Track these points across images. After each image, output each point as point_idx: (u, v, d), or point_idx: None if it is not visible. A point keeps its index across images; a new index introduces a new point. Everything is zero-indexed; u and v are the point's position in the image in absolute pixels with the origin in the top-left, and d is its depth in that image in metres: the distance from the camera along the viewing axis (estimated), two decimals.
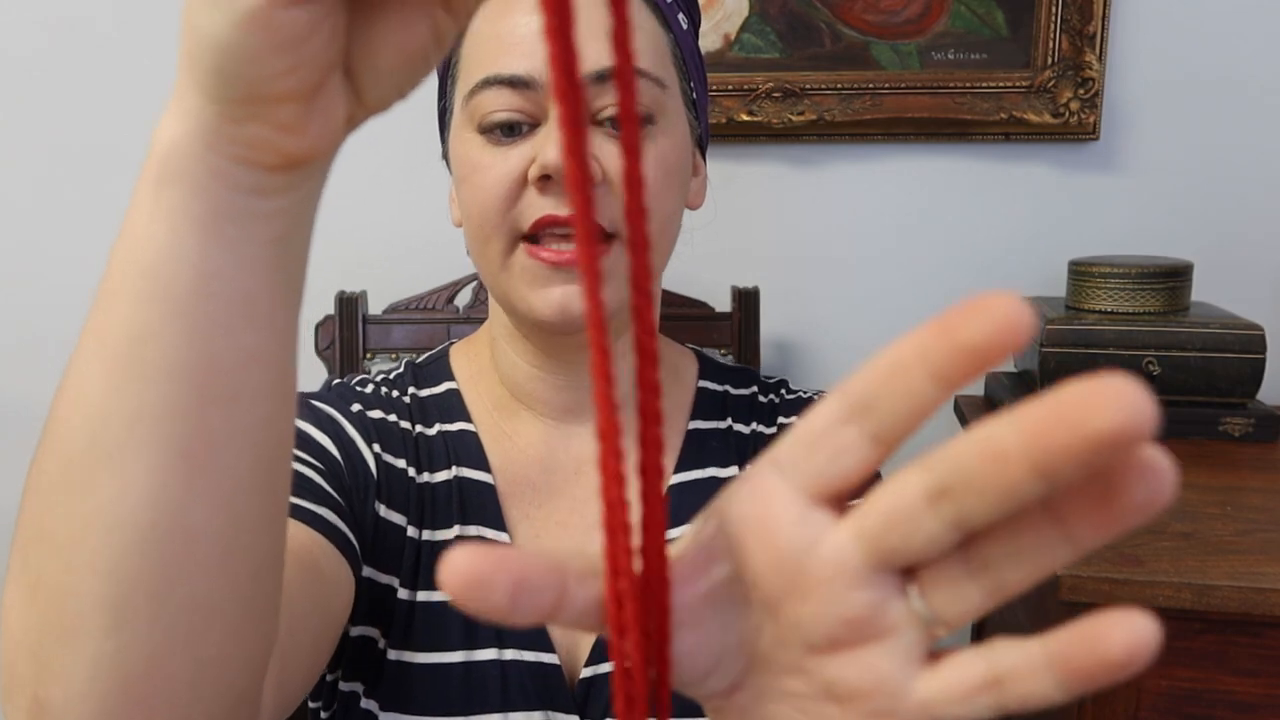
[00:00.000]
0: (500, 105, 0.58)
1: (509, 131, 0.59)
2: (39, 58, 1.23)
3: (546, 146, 0.56)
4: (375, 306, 1.12)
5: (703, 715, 0.29)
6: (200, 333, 0.31)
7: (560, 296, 0.59)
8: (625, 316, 0.64)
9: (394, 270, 1.17)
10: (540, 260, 0.58)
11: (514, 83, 0.58)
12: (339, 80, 0.30)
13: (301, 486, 0.58)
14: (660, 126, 0.60)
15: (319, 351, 1.13)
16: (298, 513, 0.56)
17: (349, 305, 1.09)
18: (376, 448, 0.64)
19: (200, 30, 0.28)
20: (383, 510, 0.63)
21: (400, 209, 1.22)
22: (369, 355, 1.10)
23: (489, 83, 0.58)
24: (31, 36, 1.23)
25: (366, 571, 0.62)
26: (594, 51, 0.57)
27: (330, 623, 0.57)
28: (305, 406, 0.64)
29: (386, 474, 0.64)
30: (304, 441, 0.62)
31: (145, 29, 1.21)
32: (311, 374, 1.14)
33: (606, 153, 0.58)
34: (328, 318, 1.11)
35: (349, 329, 1.09)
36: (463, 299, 1.11)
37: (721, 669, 0.27)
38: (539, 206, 0.58)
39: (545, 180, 0.57)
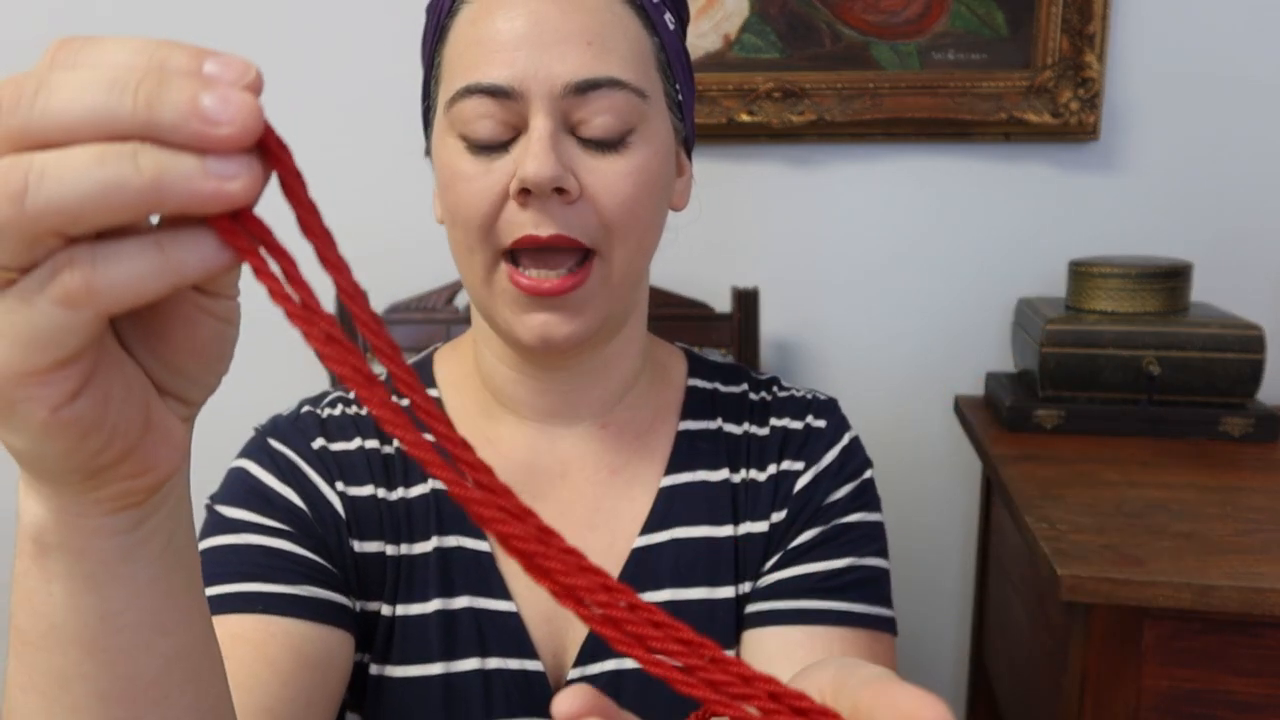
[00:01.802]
0: (480, 114, 0.58)
1: (488, 137, 0.58)
2: (40, 47, 1.23)
3: (526, 160, 0.56)
4: (375, 306, 1.12)
5: None
6: (120, 659, 0.34)
7: (541, 324, 0.59)
8: (611, 328, 0.64)
9: (394, 270, 1.17)
10: (520, 288, 0.58)
11: (494, 92, 0.57)
12: (159, 405, 0.31)
13: (275, 567, 0.59)
14: (641, 136, 0.59)
15: None
16: (274, 604, 0.57)
17: None
18: (340, 485, 0.63)
19: (12, 448, 0.29)
20: (357, 545, 0.63)
21: (400, 209, 1.22)
22: (369, 356, 1.10)
23: (469, 91, 0.58)
24: (32, 26, 1.23)
25: (359, 607, 0.62)
26: (572, 62, 0.57)
27: (331, 695, 0.58)
28: (264, 452, 0.64)
29: (353, 509, 0.63)
30: (268, 501, 0.61)
31: (145, 17, 1.21)
32: (312, 374, 1.14)
33: (584, 167, 0.58)
34: None
35: (349, 329, 1.09)
36: (463, 299, 1.11)
37: None
38: (520, 224, 0.57)
39: (526, 194, 0.57)
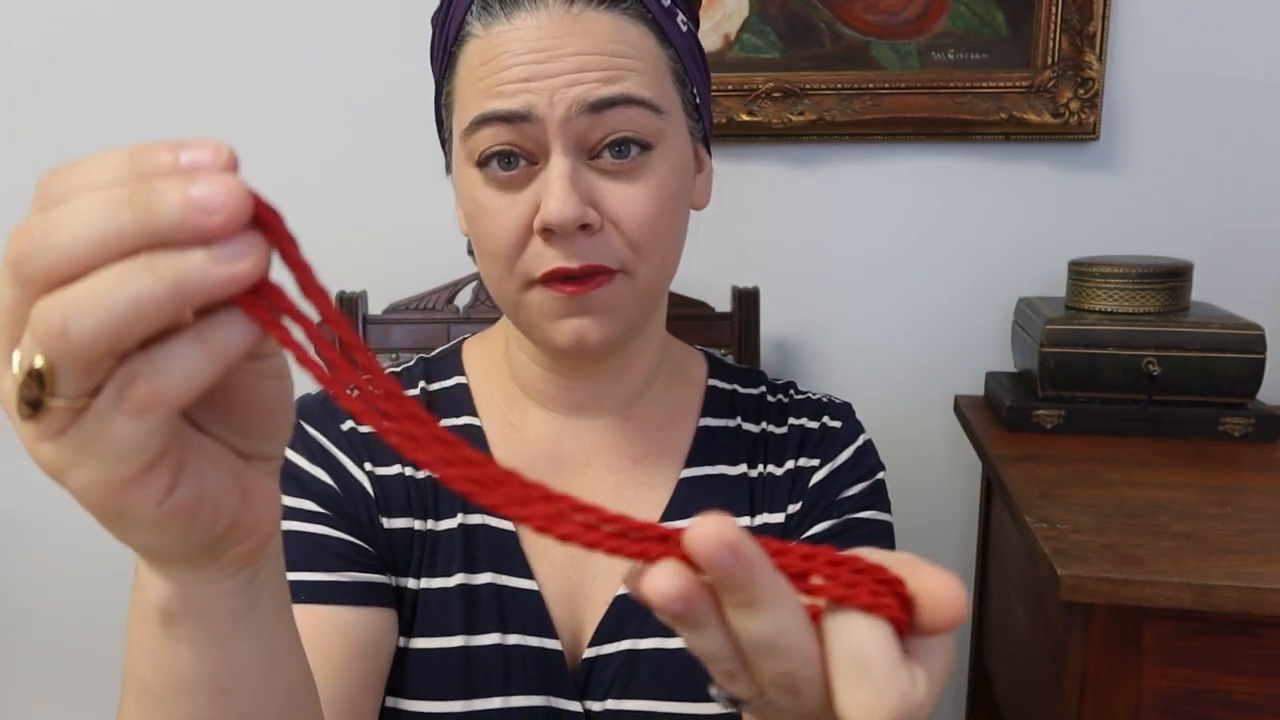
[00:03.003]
0: (499, 141, 0.58)
1: (505, 164, 0.58)
2: (41, 53, 1.23)
3: (548, 200, 0.57)
4: (375, 306, 1.12)
5: None
6: (244, 701, 0.36)
7: (576, 328, 0.60)
8: (630, 336, 0.65)
9: (394, 270, 1.17)
10: (559, 292, 0.59)
11: (509, 118, 0.57)
12: (247, 470, 0.33)
13: (315, 554, 0.61)
14: (659, 153, 0.60)
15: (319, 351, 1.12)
16: (319, 593, 0.59)
17: (349, 305, 1.09)
18: (368, 465, 0.65)
19: (134, 545, 0.31)
20: (386, 522, 0.65)
21: (400, 209, 1.22)
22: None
23: (485, 120, 0.58)
24: (34, 31, 1.23)
25: (395, 581, 0.64)
26: (587, 84, 0.57)
27: (380, 674, 0.61)
28: (295, 435, 0.65)
29: (381, 487, 0.65)
30: (302, 485, 0.63)
31: (147, 24, 1.21)
32: None
33: (604, 193, 0.59)
34: None
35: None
36: (463, 299, 1.11)
37: None
38: (548, 258, 0.58)
39: (550, 232, 0.58)
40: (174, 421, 0.29)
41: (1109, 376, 1.02)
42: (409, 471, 0.66)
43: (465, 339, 0.75)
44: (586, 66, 0.57)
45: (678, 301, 1.10)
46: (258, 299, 0.27)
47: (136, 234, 0.25)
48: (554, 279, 0.58)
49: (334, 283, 1.11)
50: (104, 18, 1.21)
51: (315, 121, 1.22)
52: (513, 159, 0.58)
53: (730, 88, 1.15)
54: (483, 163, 0.59)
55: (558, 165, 0.57)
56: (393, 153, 1.19)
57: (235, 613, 0.35)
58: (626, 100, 0.58)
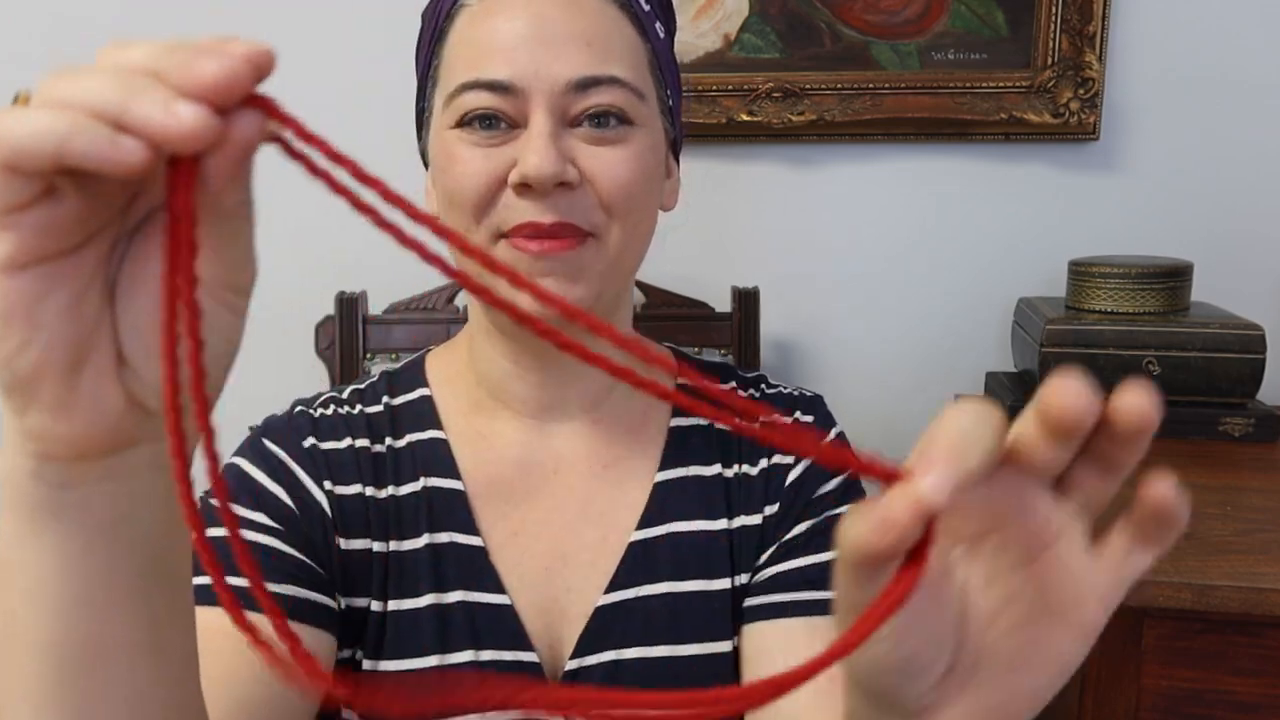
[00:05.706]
0: (481, 105, 0.59)
1: (486, 125, 0.59)
2: (39, 57, 1.23)
3: (528, 154, 0.57)
4: (375, 306, 1.12)
5: None
6: (54, 613, 0.34)
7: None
8: (601, 311, 0.65)
9: (394, 270, 1.16)
10: (525, 251, 0.59)
11: (494, 86, 0.58)
12: (107, 365, 0.31)
13: (260, 563, 0.59)
14: (638, 129, 0.61)
15: (319, 351, 1.13)
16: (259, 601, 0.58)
17: (349, 305, 1.09)
18: (328, 484, 0.64)
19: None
20: (343, 544, 0.63)
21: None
22: (369, 355, 1.10)
23: (470, 86, 0.59)
24: (33, 35, 1.23)
25: (343, 604, 0.63)
26: (573, 61, 0.58)
27: (307, 702, 0.58)
28: (257, 452, 0.65)
29: (340, 508, 0.64)
30: (260, 499, 0.62)
31: (147, 24, 1.21)
32: (312, 374, 1.14)
33: (583, 154, 0.59)
34: (328, 318, 1.11)
35: (349, 329, 1.09)
36: (463, 299, 1.11)
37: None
38: (520, 210, 0.59)
39: (525, 187, 0.58)
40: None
41: (1109, 376, 1.02)
42: (369, 491, 0.65)
43: (428, 351, 0.75)
44: (574, 42, 0.59)
45: (678, 302, 1.10)
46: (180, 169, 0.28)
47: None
48: (523, 233, 0.59)
49: (334, 283, 1.11)
50: (104, 18, 1.21)
51: (315, 121, 1.22)
52: (494, 121, 0.59)
53: (730, 88, 1.15)
54: (463, 124, 0.60)
55: (539, 124, 0.58)
56: (393, 152, 1.19)
57: (41, 506, 0.33)
58: (612, 80, 0.59)
